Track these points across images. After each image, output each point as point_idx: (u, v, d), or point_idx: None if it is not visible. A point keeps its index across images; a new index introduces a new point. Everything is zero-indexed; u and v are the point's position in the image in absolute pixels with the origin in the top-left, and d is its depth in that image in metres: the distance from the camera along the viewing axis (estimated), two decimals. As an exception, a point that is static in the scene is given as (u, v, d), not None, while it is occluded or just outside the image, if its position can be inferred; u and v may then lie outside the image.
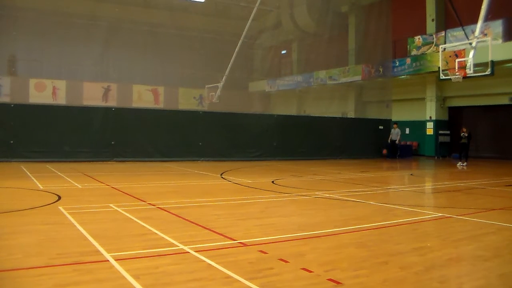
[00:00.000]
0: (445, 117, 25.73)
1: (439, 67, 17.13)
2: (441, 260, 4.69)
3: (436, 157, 24.78)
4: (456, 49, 17.13)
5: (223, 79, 24.37)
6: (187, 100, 33.56)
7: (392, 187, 11.98)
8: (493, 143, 23.98)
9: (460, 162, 19.07)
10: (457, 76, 16.25)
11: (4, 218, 6.52)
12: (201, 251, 4.79)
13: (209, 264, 4.32)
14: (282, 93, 35.19)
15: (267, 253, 4.76)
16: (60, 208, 7.23)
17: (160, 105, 32.11)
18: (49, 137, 16.95)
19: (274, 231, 5.89)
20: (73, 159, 17.10)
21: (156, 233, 5.58)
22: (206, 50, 31.54)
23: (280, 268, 4.25)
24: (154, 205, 7.72)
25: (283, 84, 34.38)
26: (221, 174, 13.65)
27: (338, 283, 3.83)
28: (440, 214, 7.40)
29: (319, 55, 29.85)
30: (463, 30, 18.21)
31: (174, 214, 6.94)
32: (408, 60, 24.25)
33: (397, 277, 4.08)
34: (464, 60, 15.98)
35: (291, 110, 32.24)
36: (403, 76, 25.24)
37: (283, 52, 36.45)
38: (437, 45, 22.65)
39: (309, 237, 5.68)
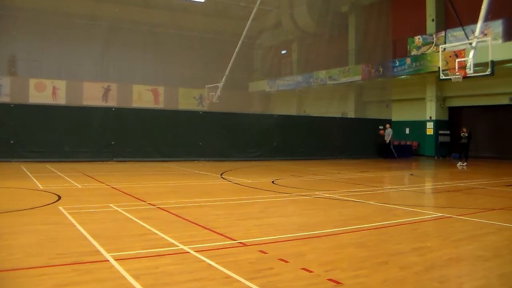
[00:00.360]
0: (445, 117, 25.74)
1: (439, 67, 17.13)
2: (441, 260, 4.69)
3: (436, 157, 24.78)
4: (456, 49, 17.13)
5: (223, 79, 24.37)
6: (187, 100, 33.57)
7: (392, 187, 11.98)
8: (493, 143, 23.98)
9: (460, 162, 19.07)
10: (457, 76, 16.25)
11: (4, 218, 6.52)
12: (201, 251, 4.79)
13: (209, 264, 4.32)
14: (282, 93, 35.19)
15: (267, 253, 4.76)
16: (60, 208, 7.23)
17: (160, 105, 32.12)
18: (49, 137, 16.95)
19: (274, 231, 5.89)
20: (73, 159, 17.11)
21: (156, 233, 5.58)
22: (206, 50, 31.54)
23: (280, 268, 4.25)
24: (154, 205, 7.72)
25: (283, 84, 34.39)
26: (221, 174, 13.65)
27: (338, 283, 3.83)
28: (440, 214, 7.40)
29: (319, 55, 29.86)
30: (463, 30, 18.21)
31: (174, 214, 6.94)
32: (408, 60, 24.25)
33: (397, 277, 4.08)
34: (464, 60, 15.98)
35: (291, 110, 32.25)
36: (403, 76, 25.24)
37: (283, 52, 36.45)
38: (437, 45, 22.66)
39: (309, 237, 5.68)
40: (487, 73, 15.67)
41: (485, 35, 19.15)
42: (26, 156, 16.56)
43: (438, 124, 25.29)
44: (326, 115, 24.64)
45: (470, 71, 15.80)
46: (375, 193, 10.43)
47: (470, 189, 11.20)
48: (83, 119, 17.81)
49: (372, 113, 27.10)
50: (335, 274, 4.07)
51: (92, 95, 29.69)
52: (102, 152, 17.83)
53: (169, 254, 4.64)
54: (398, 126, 26.27)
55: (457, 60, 16.23)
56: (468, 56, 16.01)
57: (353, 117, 28.32)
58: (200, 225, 6.13)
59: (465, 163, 18.85)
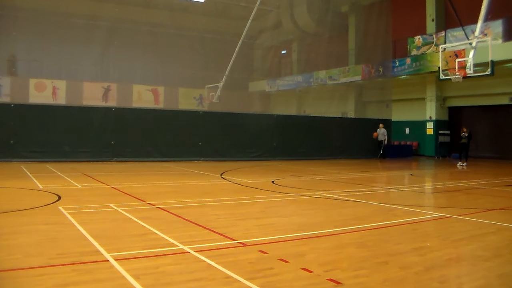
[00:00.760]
0: (445, 117, 25.74)
1: (439, 67, 17.13)
2: (441, 260, 4.69)
3: (436, 157, 24.78)
4: (456, 49, 17.13)
5: (223, 79, 24.37)
6: (187, 100, 33.57)
7: (392, 187, 11.98)
8: (493, 143, 23.99)
9: (460, 162, 19.07)
10: (457, 76, 16.25)
11: (4, 218, 6.52)
12: (201, 251, 4.79)
13: (209, 264, 4.32)
14: (282, 93, 35.20)
15: (267, 253, 4.76)
16: (60, 208, 7.23)
17: (160, 105, 32.12)
18: (49, 137, 16.94)
19: (274, 231, 5.89)
20: (73, 159, 17.11)
21: (156, 233, 5.58)
22: (206, 50, 31.55)
23: (280, 268, 4.25)
24: (154, 205, 7.72)
25: (283, 84, 34.39)
26: (221, 174, 13.65)
27: (338, 283, 3.83)
28: (440, 214, 7.40)
29: (319, 55, 29.87)
30: (463, 30, 18.21)
31: (174, 214, 6.94)
32: (408, 60, 24.25)
33: (397, 277, 4.08)
34: (464, 60, 15.98)
35: (291, 110, 32.24)
36: (403, 76, 25.24)
37: (283, 52, 36.45)
38: (437, 45, 22.66)
39: (309, 237, 5.68)
40: (487, 73, 15.67)
41: (485, 35, 19.15)
42: (26, 156, 16.56)
43: (438, 124, 25.30)
44: (326, 115, 24.64)
45: (470, 71, 15.80)
46: (375, 193, 10.43)
47: (470, 189, 11.20)
48: (83, 119, 17.81)
49: (372, 113, 27.09)
50: (335, 274, 4.07)
51: (92, 95, 29.69)
52: (102, 152, 17.83)
53: (169, 254, 4.64)
54: (398, 126, 26.29)
55: (457, 60, 16.22)
56: (468, 56, 16.01)
57: (353, 117, 28.33)
58: (200, 225, 6.13)
59: (465, 163, 18.85)
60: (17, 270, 4.08)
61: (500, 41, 20.52)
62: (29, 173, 12.64)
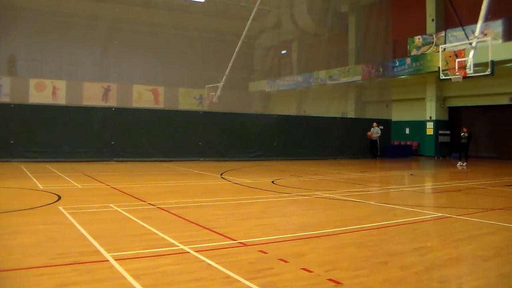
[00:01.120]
0: (445, 117, 25.74)
1: (439, 67, 17.12)
2: (441, 260, 4.69)
3: (436, 157, 24.78)
4: (456, 49, 17.12)
5: (223, 79, 24.36)
6: (187, 100, 33.57)
7: (392, 187, 11.98)
8: (493, 143, 23.98)
9: (460, 162, 19.07)
10: (457, 76, 16.24)
11: (4, 218, 6.52)
12: (201, 251, 4.79)
13: (209, 264, 4.32)
14: (282, 93, 35.20)
15: (267, 253, 4.76)
16: (60, 208, 7.23)
17: (160, 105, 32.12)
18: (49, 137, 16.95)
19: (274, 231, 5.89)
20: (73, 159, 17.11)
21: (156, 233, 5.58)
22: (206, 50, 31.53)
23: (280, 268, 4.25)
24: (154, 205, 7.72)
25: (283, 84, 34.38)
26: (221, 174, 13.65)
27: (338, 283, 3.83)
28: (440, 214, 7.40)
29: (319, 55, 29.87)
30: (463, 30, 18.20)
31: (174, 214, 6.94)
32: (408, 60, 24.26)
33: (397, 277, 4.08)
34: (464, 60, 15.97)
35: (291, 110, 32.24)
36: (403, 76, 25.25)
37: (283, 52, 36.45)
38: (437, 45, 22.65)
39: (309, 237, 5.68)
40: (487, 73, 15.66)
41: (485, 35, 19.15)
42: (26, 156, 16.56)
43: (438, 124, 25.30)
44: (326, 115, 24.64)
45: (470, 71, 15.79)
46: (375, 193, 10.43)
47: (470, 189, 11.20)
48: (83, 119, 17.81)
49: (372, 113, 27.08)
50: (335, 274, 4.07)
51: (92, 95, 29.69)
52: (102, 152, 17.83)
53: (169, 254, 4.64)
54: (398, 126, 26.29)
55: (457, 60, 16.21)
56: (468, 56, 16.00)
57: (353, 117, 28.32)
58: (200, 225, 6.13)
59: (465, 163, 18.85)
60: (17, 270, 4.07)
61: (500, 41, 20.52)
62: (29, 173, 12.64)
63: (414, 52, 24.89)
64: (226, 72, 24.07)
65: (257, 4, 22.90)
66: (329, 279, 3.92)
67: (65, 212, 6.88)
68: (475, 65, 15.89)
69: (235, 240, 5.28)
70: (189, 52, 30.82)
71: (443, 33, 23.55)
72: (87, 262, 4.30)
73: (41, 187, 9.81)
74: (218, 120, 20.39)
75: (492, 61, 15.45)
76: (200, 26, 31.61)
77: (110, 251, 4.66)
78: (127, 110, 20.77)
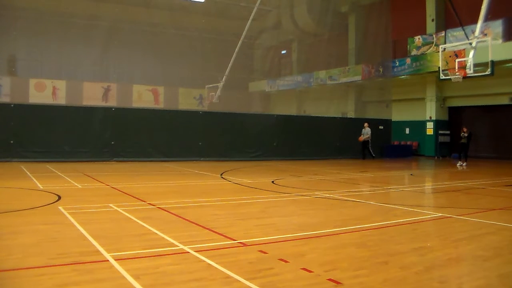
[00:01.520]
0: (445, 117, 25.74)
1: (439, 67, 17.12)
2: (441, 260, 4.69)
3: (436, 157, 24.78)
4: (456, 49, 17.13)
5: (223, 79, 24.36)
6: (187, 100, 33.57)
7: (392, 187, 11.98)
8: (493, 143, 23.98)
9: (459, 162, 19.07)
10: (457, 76, 16.24)
11: (4, 218, 6.52)
12: (201, 251, 4.79)
13: (209, 264, 4.32)
14: (282, 93, 35.20)
15: (267, 253, 4.76)
16: (60, 208, 7.23)
17: (160, 105, 32.12)
18: (49, 137, 16.95)
19: (274, 231, 5.89)
20: (73, 159, 17.11)
21: (156, 233, 5.58)
22: (206, 50, 31.52)
23: (280, 268, 4.24)
24: (154, 205, 7.72)
25: (283, 84, 34.38)
26: (221, 174, 13.65)
27: (338, 283, 3.83)
28: (440, 214, 7.40)
29: (319, 55, 29.87)
30: (463, 30, 18.21)
31: (174, 214, 6.94)
32: (408, 60, 24.26)
33: (397, 277, 4.08)
34: (464, 60, 15.97)
35: (291, 110, 32.25)
36: (403, 76, 25.25)
37: (283, 52, 36.45)
38: (437, 45, 22.66)
39: (309, 237, 5.68)
40: (487, 73, 15.67)
41: (485, 35, 19.15)
42: (26, 156, 16.56)
43: (438, 124, 25.30)
44: (326, 115, 24.64)
45: (470, 71, 15.80)
46: (375, 193, 10.43)
47: (470, 189, 11.20)
48: (83, 119, 17.82)
49: (372, 113, 27.09)
50: (335, 274, 4.07)
51: (92, 95, 29.69)
52: (102, 152, 17.84)
53: (169, 254, 4.64)
54: (398, 126, 26.29)
55: (457, 60, 16.22)
56: (468, 56, 16.00)
57: (353, 117, 28.32)
58: (200, 225, 6.13)
59: (465, 163, 18.84)
60: (17, 270, 4.07)
61: (500, 41, 20.52)
62: (29, 173, 12.64)
63: (414, 52, 24.89)
64: (226, 72, 24.07)
65: (257, 4, 22.90)
66: (329, 279, 3.92)
67: (65, 212, 6.88)
68: (475, 65, 15.89)
69: (235, 240, 5.28)
70: (189, 52, 30.82)
71: (443, 33, 23.55)
72: (87, 262, 4.30)
73: (41, 187, 9.81)
74: (218, 120, 20.40)
75: (492, 61, 15.45)
76: (200, 26, 31.62)
77: (110, 251, 4.66)
78: (127, 110, 20.78)
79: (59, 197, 8.33)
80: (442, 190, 11.65)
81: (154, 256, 4.58)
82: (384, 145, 24.49)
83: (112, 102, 29.83)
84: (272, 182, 11.84)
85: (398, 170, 17.40)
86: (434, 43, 23.81)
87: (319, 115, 24.88)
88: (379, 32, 26.48)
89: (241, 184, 11.45)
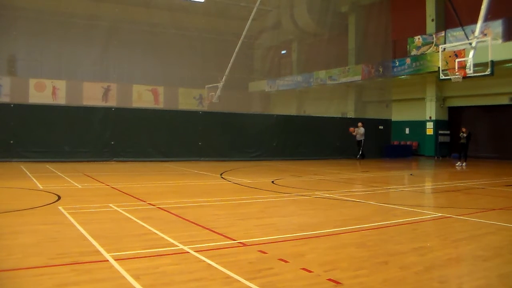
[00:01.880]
0: (445, 117, 25.74)
1: (439, 67, 17.13)
2: (441, 260, 4.69)
3: (436, 157, 24.77)
4: (456, 49, 17.13)
5: (223, 79, 24.36)
6: (187, 100, 33.57)
7: (392, 187, 11.98)
8: (493, 143, 23.98)
9: (459, 162, 19.07)
10: (457, 76, 16.25)
11: (4, 218, 6.52)
12: (201, 251, 4.79)
13: (209, 264, 4.32)
14: (282, 93, 35.20)
15: (267, 253, 4.76)
16: (60, 208, 7.23)
17: (160, 105, 32.12)
18: (49, 137, 16.95)
19: (274, 231, 5.89)
20: (73, 159, 17.11)
21: (156, 233, 5.58)
22: (206, 50, 31.51)
23: (280, 268, 4.24)
24: (154, 205, 7.72)
25: (283, 84, 34.38)
26: (221, 174, 13.65)
27: (338, 283, 3.83)
28: (440, 214, 7.40)
29: (319, 55, 29.86)
30: (463, 30, 18.21)
31: (174, 214, 6.94)
32: (408, 60, 24.25)
33: (397, 277, 4.08)
34: (464, 60, 15.97)
35: (291, 110, 32.25)
36: (403, 76, 25.25)
37: (283, 52, 36.45)
38: (437, 45, 22.65)
39: (309, 237, 5.68)
40: (487, 73, 15.67)
41: (485, 35, 19.15)
42: (26, 156, 16.56)
43: (438, 124, 25.30)
44: (326, 115, 24.63)
45: (470, 71, 15.80)
46: (375, 193, 10.43)
47: (470, 189, 11.20)
48: (83, 119, 17.81)
49: (372, 113, 27.09)
50: (335, 274, 4.07)
51: (92, 95, 29.68)
52: (102, 152, 17.83)
53: (169, 254, 4.64)
54: (398, 126, 26.29)
55: (457, 60, 16.22)
56: (468, 56, 16.00)
57: (353, 117, 28.31)
58: (200, 225, 6.13)
59: (464, 163, 18.84)
60: (17, 270, 4.07)
61: (500, 41, 20.52)
62: (29, 173, 12.64)
63: (414, 52, 24.89)
64: (226, 72, 24.07)
65: (257, 4, 22.90)
66: (329, 279, 3.92)
67: (65, 212, 6.88)
68: (475, 65, 15.89)
69: (235, 240, 5.28)
70: (189, 52, 30.83)
71: (443, 33, 23.55)
72: (87, 262, 4.30)
73: (41, 187, 9.81)
74: (218, 120, 20.39)
75: (492, 61, 15.45)
76: (200, 26, 31.62)
77: (110, 251, 4.66)
78: (127, 110, 20.77)
79: (59, 197, 8.33)
80: (442, 190, 11.65)
81: (154, 256, 4.58)
82: (384, 145, 24.49)
83: (112, 102, 29.82)
84: (272, 182, 11.84)
85: (398, 170, 17.40)
86: (434, 43, 23.81)
87: (319, 115, 24.88)
88: (379, 32, 26.48)
89: (241, 184, 11.45)
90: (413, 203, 8.78)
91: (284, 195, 9.60)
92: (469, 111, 25.13)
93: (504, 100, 22.62)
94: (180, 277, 3.96)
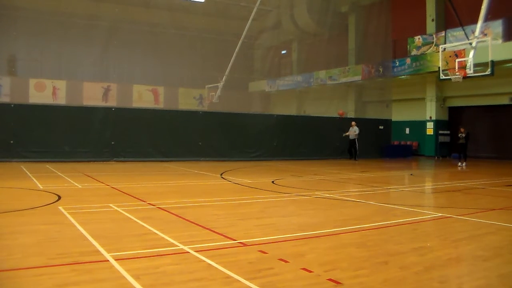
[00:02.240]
0: (445, 117, 25.74)
1: (439, 67, 17.13)
2: (441, 260, 4.69)
3: (436, 157, 24.78)
4: (456, 49, 17.13)
5: (223, 79, 24.36)
6: (187, 100, 33.57)
7: (392, 187, 11.98)
8: (493, 143, 23.98)
9: (459, 162, 19.07)
10: (457, 76, 16.25)
11: (4, 218, 6.52)
12: (201, 251, 4.79)
13: (209, 264, 4.32)
14: (282, 93, 35.20)
15: (267, 253, 4.76)
16: (60, 208, 7.23)
17: (160, 105, 32.12)
18: (49, 137, 16.95)
19: (274, 231, 5.89)
20: (73, 159, 17.11)
21: (156, 233, 5.58)
22: (206, 50, 31.53)
23: (280, 268, 4.24)
24: (154, 205, 7.72)
25: (283, 84, 34.39)
26: (221, 174, 13.65)
27: (338, 283, 3.83)
28: (440, 214, 7.40)
29: (319, 55, 29.87)
30: (463, 30, 18.21)
31: (174, 214, 6.94)
32: (408, 60, 24.25)
33: (397, 277, 4.08)
34: (464, 60, 15.98)
35: (291, 110, 32.25)
36: (403, 76, 25.25)
37: (283, 52, 36.45)
38: (437, 45, 22.66)
39: (309, 237, 5.68)
40: (487, 73, 15.67)
41: (485, 35, 19.15)
42: (26, 156, 16.56)
43: (438, 124, 25.30)
44: (326, 115, 24.64)
45: (470, 71, 15.80)
46: (375, 193, 10.43)
47: (470, 189, 11.20)
48: (83, 119, 17.81)
49: (372, 113, 27.09)
50: (335, 274, 4.07)
51: (92, 95, 29.68)
52: (102, 152, 17.83)
53: (169, 254, 4.64)
54: (398, 126, 26.30)
55: (457, 60, 16.22)
56: (468, 56, 16.01)
57: (353, 117, 28.30)
58: (200, 225, 6.13)
59: (464, 163, 18.84)
60: (17, 270, 4.07)
61: (500, 41, 20.52)
62: (29, 173, 12.64)
63: (414, 52, 24.89)
64: (226, 72, 24.08)
65: (257, 4, 22.91)
66: (329, 279, 3.92)
67: (65, 212, 6.88)
68: (475, 65, 15.90)
69: (235, 240, 5.28)
70: (189, 52, 30.83)
71: (443, 33, 23.55)
72: (87, 262, 4.30)
73: (41, 187, 9.81)
74: (218, 120, 20.38)
75: (492, 61, 15.46)
76: (200, 26, 31.61)
77: (110, 251, 4.66)
78: (127, 110, 20.76)
79: (59, 197, 8.33)
80: (442, 190, 11.65)
81: (154, 256, 4.58)
82: (384, 145, 24.50)
83: (112, 102, 29.82)
84: (272, 182, 11.84)
85: (398, 170, 17.40)
86: (434, 43, 23.81)
87: (319, 115, 24.88)
88: (379, 32, 26.49)
89: (241, 184, 11.45)
90: (413, 203, 8.78)
91: (284, 195, 9.60)
92: (469, 111, 25.13)
93: (504, 100, 22.62)
94: (180, 277, 3.96)
